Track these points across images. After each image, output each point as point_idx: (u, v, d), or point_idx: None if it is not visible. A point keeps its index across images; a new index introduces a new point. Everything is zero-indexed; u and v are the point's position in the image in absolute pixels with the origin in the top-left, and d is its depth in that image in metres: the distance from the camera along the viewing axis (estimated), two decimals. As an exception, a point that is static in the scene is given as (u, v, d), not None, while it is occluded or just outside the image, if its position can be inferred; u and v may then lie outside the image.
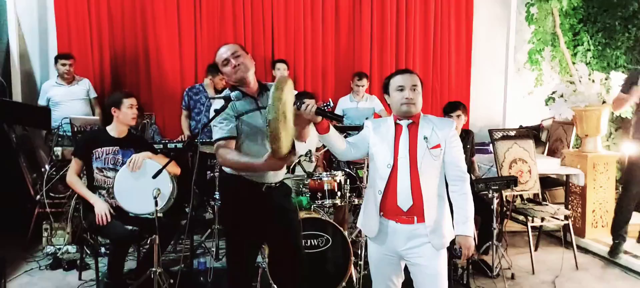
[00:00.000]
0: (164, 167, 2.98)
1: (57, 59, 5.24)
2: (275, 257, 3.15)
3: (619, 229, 4.60)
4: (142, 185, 3.49)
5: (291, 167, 3.95)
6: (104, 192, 3.68)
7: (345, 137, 2.69)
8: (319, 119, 2.41)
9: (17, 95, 5.44)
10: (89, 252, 4.32)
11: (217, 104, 2.71)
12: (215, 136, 2.70)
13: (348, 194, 3.86)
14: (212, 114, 2.72)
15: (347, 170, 4.09)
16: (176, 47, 5.80)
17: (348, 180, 3.96)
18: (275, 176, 2.81)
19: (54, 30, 5.63)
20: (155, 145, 4.20)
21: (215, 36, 5.88)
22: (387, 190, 2.51)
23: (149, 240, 3.73)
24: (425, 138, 2.49)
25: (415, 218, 2.48)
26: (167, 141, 4.63)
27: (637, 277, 4.30)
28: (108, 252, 3.96)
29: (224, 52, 2.77)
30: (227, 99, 2.65)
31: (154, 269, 3.30)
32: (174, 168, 3.71)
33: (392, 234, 2.53)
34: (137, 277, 3.62)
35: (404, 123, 2.54)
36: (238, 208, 2.80)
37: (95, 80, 5.58)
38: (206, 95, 5.18)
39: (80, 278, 4.07)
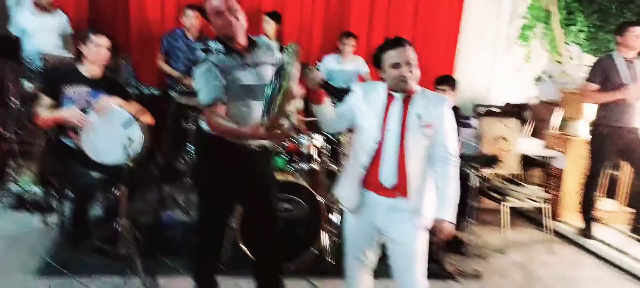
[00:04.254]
0: (136, 117, 2.84)
1: None
2: (248, 220, 3.05)
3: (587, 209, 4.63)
4: (111, 133, 3.31)
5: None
6: (73, 135, 3.49)
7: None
8: (320, 89, 2.30)
9: (-15, 22, 5.13)
10: (56, 195, 4.16)
11: (199, 55, 2.54)
12: (200, 98, 2.52)
13: (327, 160, 3.77)
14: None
15: (328, 134, 3.98)
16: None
17: (328, 145, 3.85)
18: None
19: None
20: (129, 90, 4.01)
21: (200, -21, 5.58)
22: (371, 165, 2.40)
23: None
24: (418, 115, 2.36)
25: (398, 194, 2.38)
26: (141, 87, 4.44)
27: (608, 265, 4.32)
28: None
29: (217, 2, 2.53)
30: (206, 50, 2.49)
31: (120, 221, 3.19)
32: (146, 118, 3.55)
33: (372, 206, 2.44)
34: (103, 226, 3.49)
35: (398, 96, 2.39)
36: (214, 168, 2.68)
37: (72, 16, 5.23)
38: (186, 42, 4.97)
39: (44, 223, 3.93)
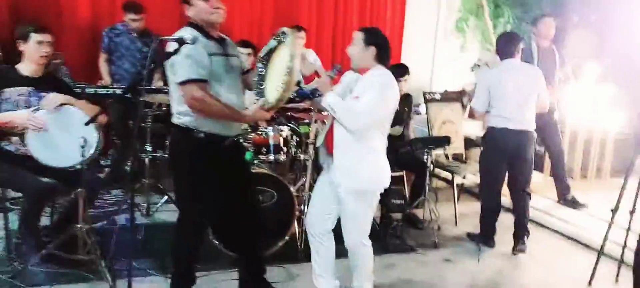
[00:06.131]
0: (97, 116, 2.68)
1: None
2: (229, 214, 2.84)
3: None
4: (61, 134, 3.05)
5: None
6: (15, 139, 3.18)
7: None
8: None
9: None
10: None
11: (171, 46, 2.39)
12: (185, 75, 2.37)
13: (294, 150, 3.77)
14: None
15: (291, 125, 3.95)
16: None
17: (293, 136, 3.84)
18: (239, 128, 2.64)
19: None
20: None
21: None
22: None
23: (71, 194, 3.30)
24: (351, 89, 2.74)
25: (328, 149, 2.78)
26: (85, 85, 4.15)
27: (549, 231, 4.66)
28: (19, 206, 3.45)
29: None
30: (181, 41, 2.32)
31: (79, 226, 2.99)
32: (101, 117, 3.29)
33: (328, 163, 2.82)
34: (56, 235, 3.16)
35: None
36: (205, 167, 2.55)
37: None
38: (130, 37, 4.70)
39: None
